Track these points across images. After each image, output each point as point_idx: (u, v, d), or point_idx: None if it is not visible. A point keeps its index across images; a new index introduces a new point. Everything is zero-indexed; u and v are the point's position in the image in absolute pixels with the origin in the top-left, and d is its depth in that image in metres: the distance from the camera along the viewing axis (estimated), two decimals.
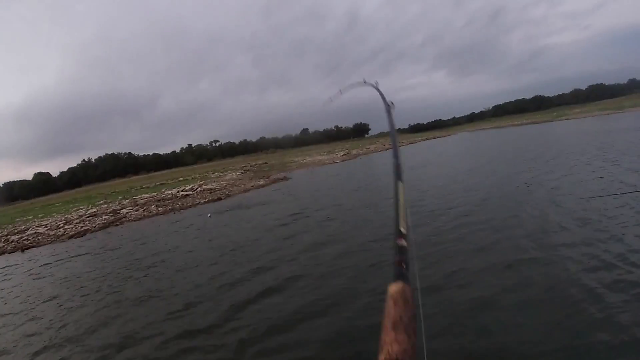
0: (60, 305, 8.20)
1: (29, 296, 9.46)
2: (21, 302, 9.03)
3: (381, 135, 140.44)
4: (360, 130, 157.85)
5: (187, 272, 8.88)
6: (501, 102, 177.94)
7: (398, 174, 1.24)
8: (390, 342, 0.74)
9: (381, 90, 2.21)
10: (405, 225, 1.01)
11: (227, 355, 4.90)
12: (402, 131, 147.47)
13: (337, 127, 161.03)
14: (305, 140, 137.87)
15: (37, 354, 5.95)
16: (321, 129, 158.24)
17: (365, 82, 2.57)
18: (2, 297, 9.96)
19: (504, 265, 6.16)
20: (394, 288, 0.84)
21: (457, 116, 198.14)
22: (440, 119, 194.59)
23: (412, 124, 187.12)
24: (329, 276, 7.02)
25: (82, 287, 9.35)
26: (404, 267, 0.90)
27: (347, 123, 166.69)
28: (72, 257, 13.69)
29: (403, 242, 0.96)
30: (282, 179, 30.74)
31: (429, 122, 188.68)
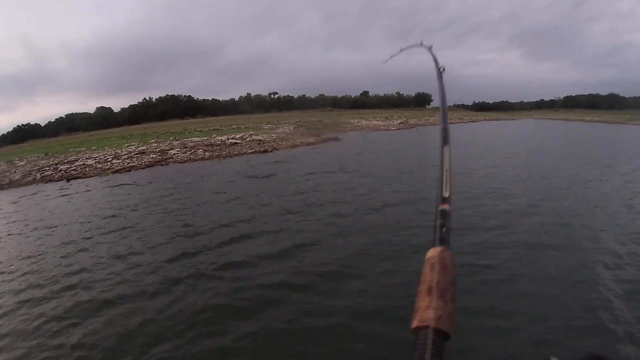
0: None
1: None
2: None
3: None
4: (421, 100, 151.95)
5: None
6: (573, 94, 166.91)
7: (445, 139, 1.21)
8: (424, 308, 0.71)
9: (435, 54, 2.06)
10: (449, 190, 0.98)
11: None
12: (465, 107, 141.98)
13: (398, 93, 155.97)
14: (364, 102, 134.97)
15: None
16: (382, 94, 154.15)
17: (421, 44, 2.49)
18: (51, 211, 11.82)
19: None
20: (432, 252, 0.82)
21: (525, 100, 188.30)
22: (507, 101, 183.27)
23: (476, 102, 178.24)
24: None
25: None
26: (445, 231, 0.87)
27: (410, 91, 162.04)
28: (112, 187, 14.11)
29: (446, 207, 0.93)
30: (332, 139, 30.09)
31: (494, 102, 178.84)
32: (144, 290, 5.50)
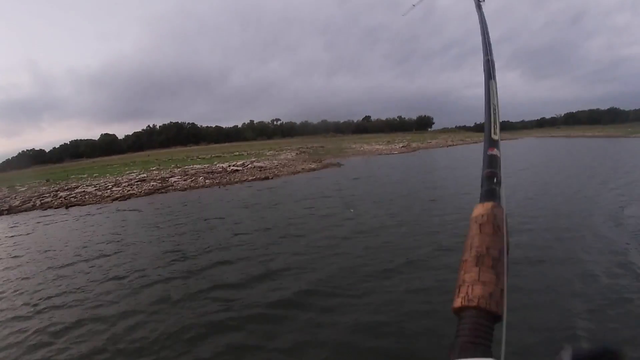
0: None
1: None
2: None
3: (444, 130, 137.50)
4: (423, 124, 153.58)
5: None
6: (574, 110, 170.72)
7: (490, 73, 1.08)
8: (471, 281, 0.59)
9: None
10: (498, 133, 0.88)
11: None
12: (467, 129, 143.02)
13: (400, 117, 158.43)
14: (366, 127, 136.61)
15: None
16: (384, 118, 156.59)
17: None
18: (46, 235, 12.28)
19: None
20: (480, 209, 0.68)
21: (526, 119, 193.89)
22: (508, 121, 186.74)
23: (477, 123, 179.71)
24: None
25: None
26: (496, 182, 0.73)
27: (411, 114, 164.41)
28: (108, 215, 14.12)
29: (495, 152, 0.80)
30: (334, 165, 30.26)
31: None
32: (131, 309, 5.72)
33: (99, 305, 5.96)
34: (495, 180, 0.74)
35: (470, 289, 0.57)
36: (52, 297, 6.50)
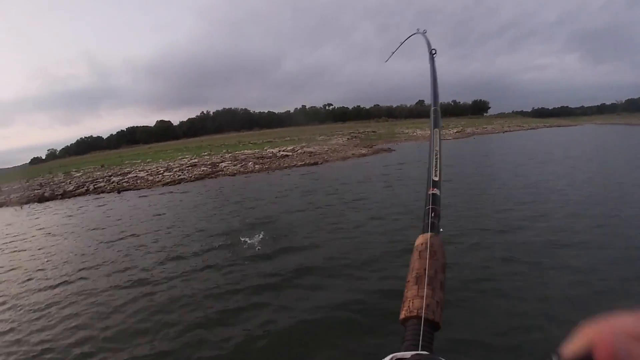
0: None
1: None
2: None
3: (501, 115, 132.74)
4: (478, 108, 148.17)
5: None
6: (635, 97, 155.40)
7: (435, 122, 1.25)
8: (411, 297, 0.70)
9: (428, 38, 2.05)
10: (439, 174, 0.99)
11: None
12: (524, 114, 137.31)
13: (454, 101, 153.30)
14: (420, 112, 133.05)
15: None
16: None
17: (417, 31, 2.47)
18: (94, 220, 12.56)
19: None
20: (421, 239, 0.80)
21: (585, 105, 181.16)
22: (567, 106, 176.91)
23: (535, 108, 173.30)
24: None
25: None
26: (434, 217, 0.86)
27: (466, 99, 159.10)
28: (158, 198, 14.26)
29: (435, 191, 0.93)
30: (385, 150, 29.39)
31: (554, 108, 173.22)
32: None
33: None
34: (433, 214, 0.86)
35: (411, 302, 0.68)
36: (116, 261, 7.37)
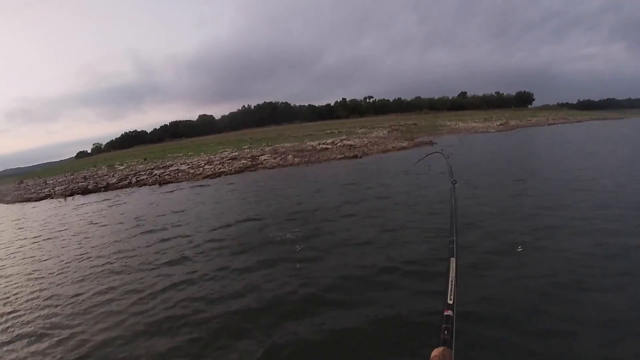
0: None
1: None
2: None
3: (545, 107, 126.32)
4: (522, 100, 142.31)
5: None
6: None
7: (453, 252, 1.31)
8: None
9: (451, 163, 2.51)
10: (453, 299, 1.06)
11: None
12: (569, 106, 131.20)
13: (497, 93, 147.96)
14: (462, 104, 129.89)
15: None
16: (480, 94, 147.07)
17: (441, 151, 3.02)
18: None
19: None
20: (436, 352, 0.90)
21: (633, 97, 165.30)
22: (613, 98, 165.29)
23: (581, 100, 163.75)
24: None
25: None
26: (447, 334, 0.95)
27: (510, 90, 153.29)
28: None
29: (449, 313, 1.01)
30: (427, 143, 28.72)
31: (600, 100, 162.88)
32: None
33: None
34: (446, 332, 0.96)
35: None
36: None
